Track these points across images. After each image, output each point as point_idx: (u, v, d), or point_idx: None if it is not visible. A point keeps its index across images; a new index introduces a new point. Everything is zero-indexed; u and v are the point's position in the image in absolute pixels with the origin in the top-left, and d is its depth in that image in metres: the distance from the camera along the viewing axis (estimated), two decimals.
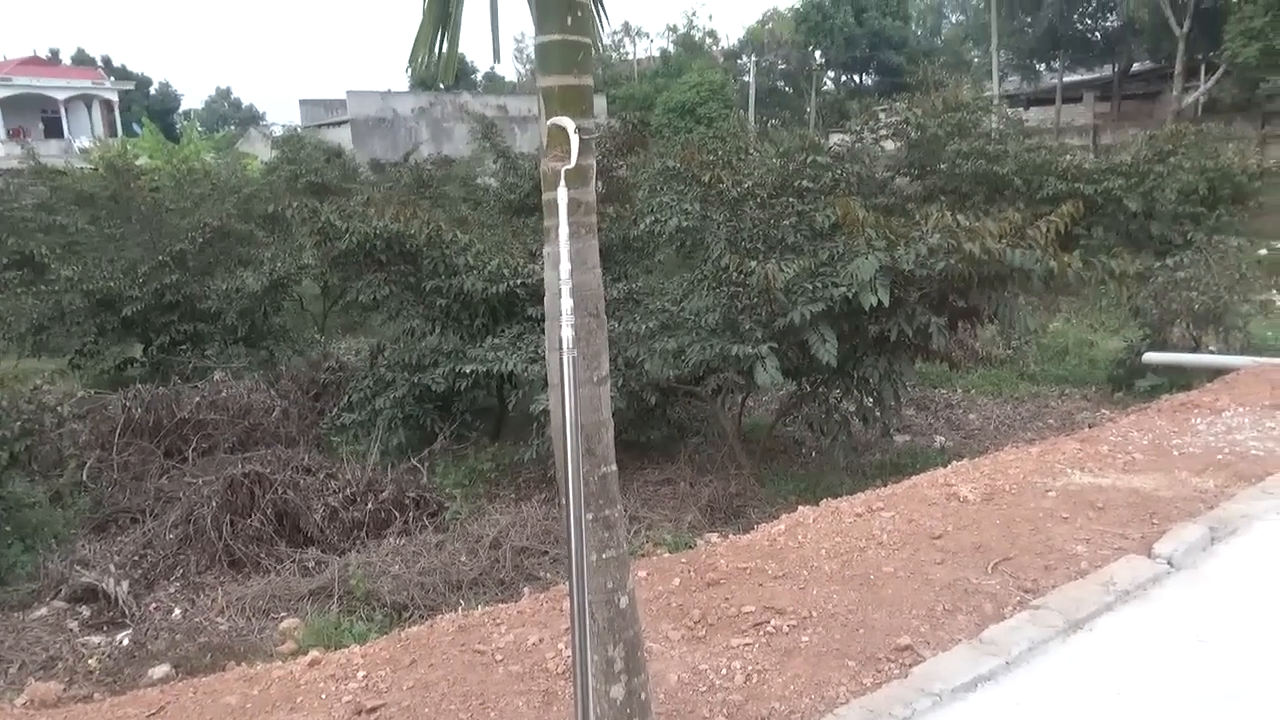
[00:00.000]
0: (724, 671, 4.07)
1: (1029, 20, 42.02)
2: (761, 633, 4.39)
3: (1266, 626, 4.39)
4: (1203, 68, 37.28)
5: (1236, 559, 5.10)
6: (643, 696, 3.05)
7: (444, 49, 2.90)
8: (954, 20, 57.02)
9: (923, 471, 7.04)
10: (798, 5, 51.34)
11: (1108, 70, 44.08)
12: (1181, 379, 10.74)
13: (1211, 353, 11.33)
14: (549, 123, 2.63)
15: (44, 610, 6.72)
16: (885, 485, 6.73)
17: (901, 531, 5.54)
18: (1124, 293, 12.38)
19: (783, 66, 55.50)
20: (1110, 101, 43.54)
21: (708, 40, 60.60)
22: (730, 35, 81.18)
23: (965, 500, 6.01)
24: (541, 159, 2.63)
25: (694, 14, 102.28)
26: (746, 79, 52.71)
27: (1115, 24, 41.18)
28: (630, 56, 59.55)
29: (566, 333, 2.49)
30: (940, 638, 4.29)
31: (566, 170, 2.57)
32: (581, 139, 2.60)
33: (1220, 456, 6.73)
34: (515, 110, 41.19)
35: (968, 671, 3.95)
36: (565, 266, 2.52)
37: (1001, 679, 3.99)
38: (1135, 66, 43.97)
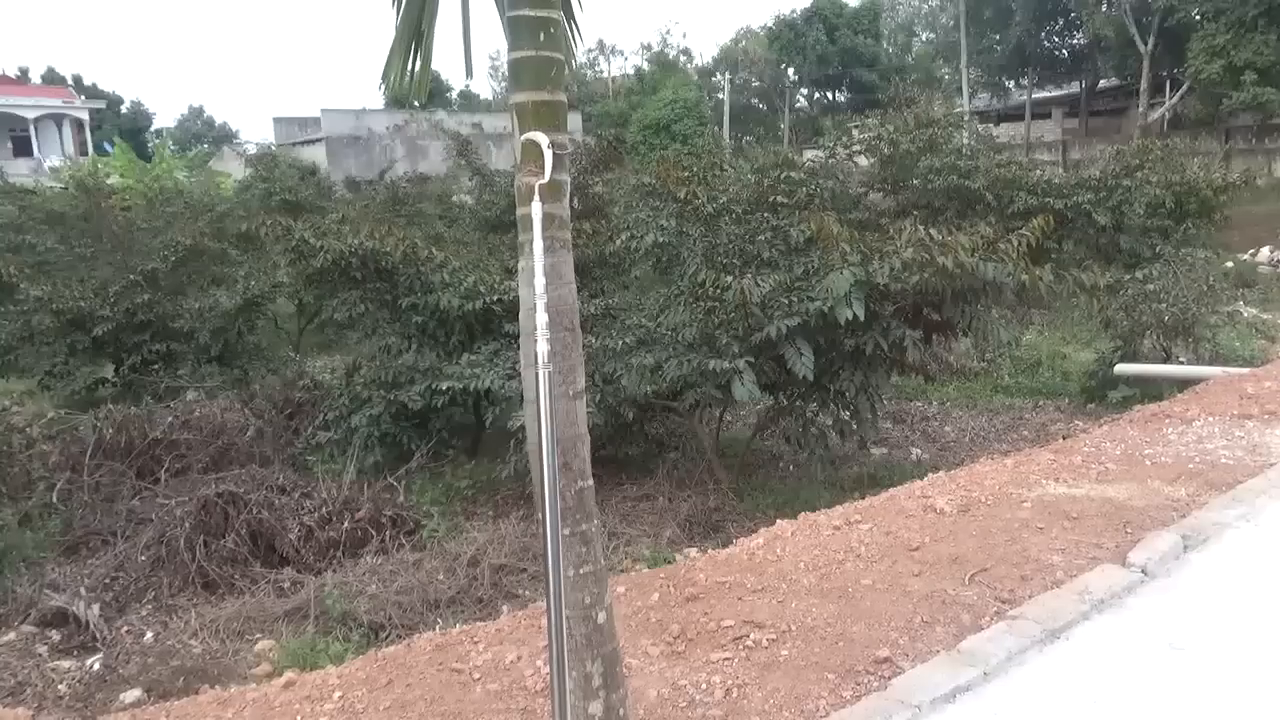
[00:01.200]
0: (704, 686, 4.06)
1: (998, 38, 42.73)
2: (741, 647, 4.39)
3: (1240, 633, 4.44)
4: (1168, 84, 38.04)
5: (1209, 567, 5.16)
6: (621, 712, 3.04)
7: (416, 67, 2.91)
8: (924, 38, 57.80)
9: (900, 484, 7.07)
10: (771, 24, 51.89)
11: (1075, 87, 44.86)
12: (1153, 390, 10.87)
13: (1181, 363, 11.49)
14: (522, 138, 2.64)
15: (12, 635, 6.59)
16: (863, 498, 6.76)
17: (879, 544, 5.56)
18: (1095, 305, 12.53)
19: (756, 84, 56.05)
20: (1078, 117, 44.29)
21: (682, 58, 61.05)
22: (704, 53, 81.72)
23: (942, 512, 6.04)
24: (516, 174, 2.63)
25: (668, 32, 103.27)
26: (721, 96, 53.15)
27: (1082, 41, 41.95)
28: (605, 74, 59.85)
29: (542, 347, 2.48)
30: (919, 649, 4.30)
31: (541, 185, 2.58)
32: (555, 154, 2.61)
33: (1191, 465, 6.82)
34: (490, 128, 41.21)
35: (947, 683, 3.97)
36: (540, 281, 2.52)
37: (980, 690, 4.00)
38: (1102, 83, 44.78)
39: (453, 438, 10.51)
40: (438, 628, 5.49)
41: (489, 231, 18.42)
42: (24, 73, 63.55)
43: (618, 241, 11.15)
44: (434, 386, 9.35)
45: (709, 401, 8.96)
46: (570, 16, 2.99)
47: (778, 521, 6.20)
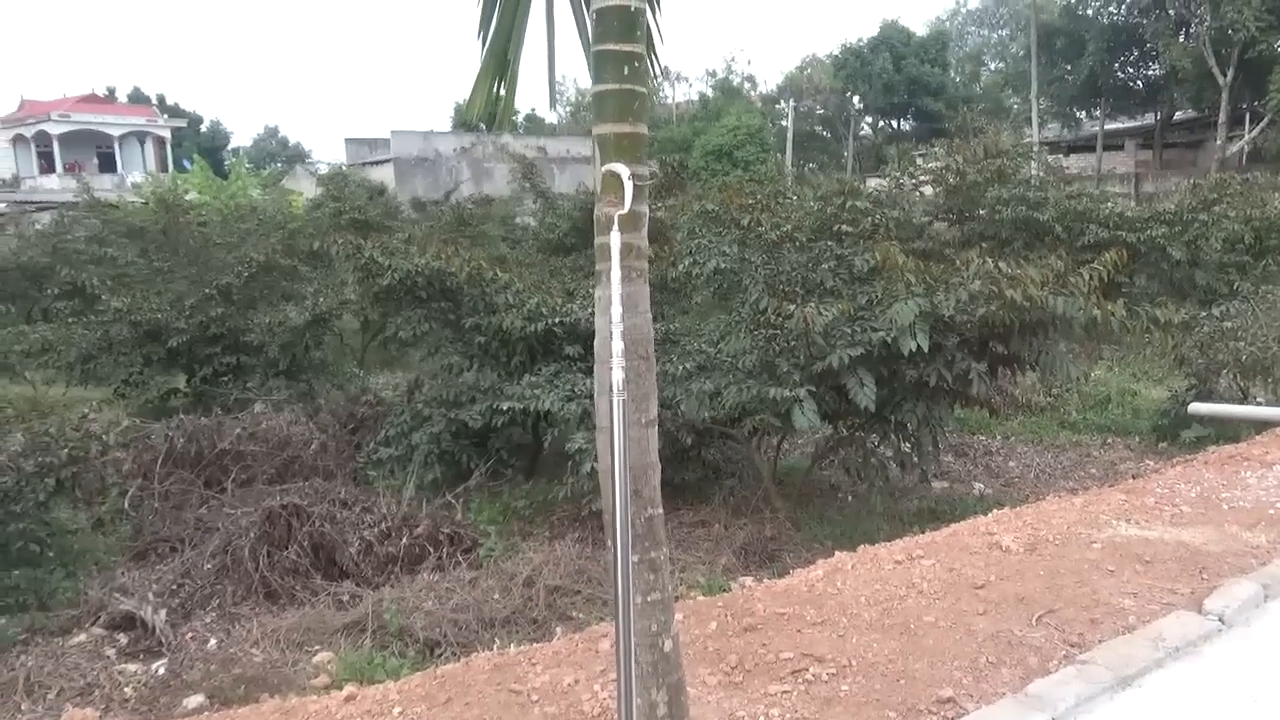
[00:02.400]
0: (762, 718, 4.01)
1: (1069, 68, 42.03)
2: (800, 680, 4.33)
3: None
4: (1247, 116, 37.01)
5: None
6: None
7: (501, 94, 2.97)
8: (993, 68, 57.13)
9: (962, 519, 6.94)
10: (837, 52, 51.77)
11: (1149, 118, 43.90)
12: (1228, 431, 10.52)
13: (1260, 404, 11.09)
14: (603, 169, 2.68)
15: (83, 636, 6.79)
16: (924, 532, 6.64)
17: (942, 580, 5.45)
18: (1168, 342, 12.19)
19: (820, 111, 55.90)
20: (1152, 149, 43.31)
21: (746, 85, 61.25)
22: (769, 80, 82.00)
23: (1008, 550, 5.91)
24: (596, 204, 2.67)
25: (733, 59, 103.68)
26: (784, 123, 53.11)
27: (1158, 72, 41.04)
28: (669, 100, 60.26)
29: (617, 375, 2.50)
30: (984, 690, 4.20)
31: (620, 215, 2.61)
32: (635, 185, 2.64)
33: (1272, 511, 6.57)
34: (554, 151, 41.80)
35: None
36: (617, 310, 2.54)
37: None
38: (1178, 115, 43.74)
39: (511, 457, 10.60)
40: (495, 647, 5.51)
41: (551, 254, 18.64)
42: (111, 92, 66.30)
43: (680, 267, 11.18)
44: (494, 406, 9.44)
45: (768, 429, 8.90)
46: (651, 49, 3.03)
47: (836, 553, 6.12)
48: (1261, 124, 34.92)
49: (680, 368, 8.69)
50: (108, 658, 6.53)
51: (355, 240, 11.32)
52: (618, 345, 2.48)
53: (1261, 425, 9.72)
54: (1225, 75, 34.51)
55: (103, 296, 13.68)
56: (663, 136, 48.50)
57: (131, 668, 6.38)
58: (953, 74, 53.90)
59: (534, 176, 24.22)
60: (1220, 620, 4.84)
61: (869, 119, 55.15)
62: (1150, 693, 4.23)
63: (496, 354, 10.40)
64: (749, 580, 7.06)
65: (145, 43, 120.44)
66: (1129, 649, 4.51)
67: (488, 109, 2.93)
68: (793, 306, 8.06)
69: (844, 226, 13.46)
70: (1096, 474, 10.67)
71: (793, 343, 8.19)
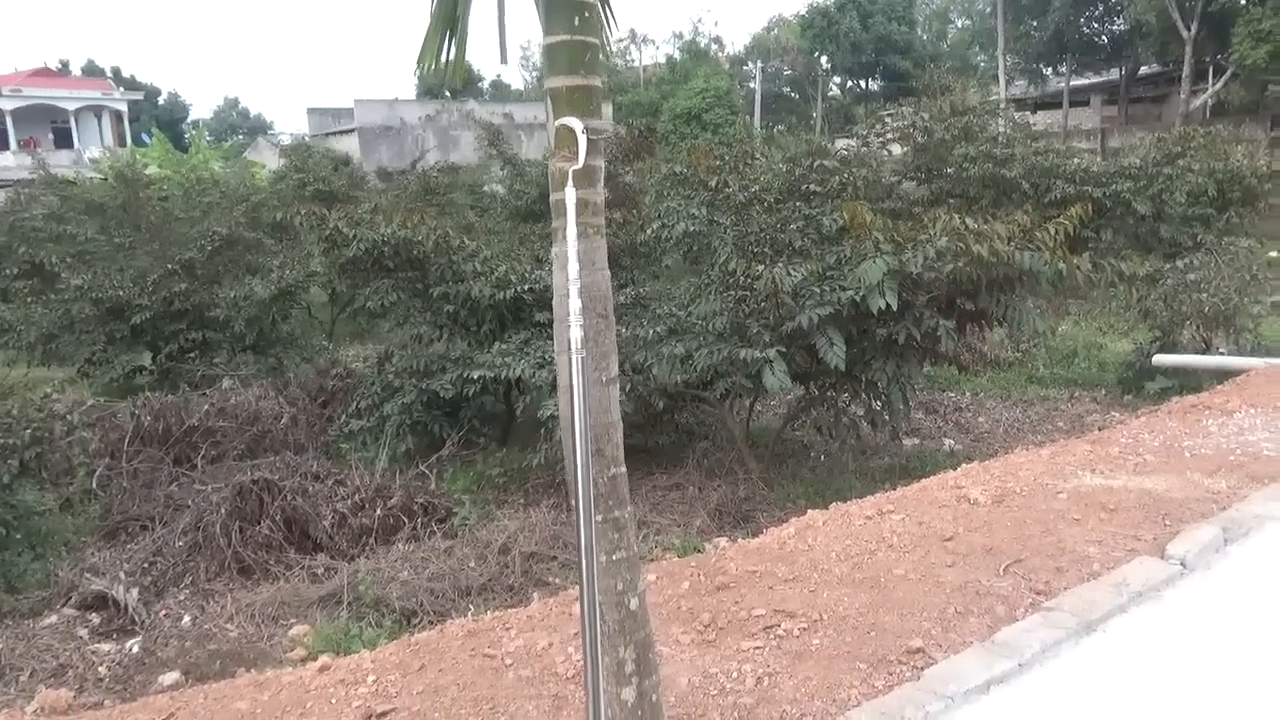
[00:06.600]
0: (735, 675, 4.05)
1: (1035, 24, 41.97)
2: (772, 636, 4.37)
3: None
4: (1211, 70, 37.21)
5: (1250, 559, 5.07)
6: (654, 699, 3.04)
7: (451, 54, 2.90)
8: (960, 25, 56.96)
9: (932, 474, 7.02)
10: (803, 11, 51.36)
11: (1115, 74, 44.02)
12: (1192, 381, 10.69)
13: (1222, 354, 11.27)
14: (557, 123, 2.63)
15: (54, 618, 6.73)
16: (895, 488, 6.71)
17: (912, 534, 5.51)
18: (1133, 295, 12.34)
19: (789, 72, 55.59)
20: (1117, 105, 43.49)
21: (713, 47, 60.69)
22: (736, 42, 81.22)
23: (976, 502, 5.98)
24: (549, 159, 2.63)
25: (700, 21, 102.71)
26: (752, 85, 52.79)
27: (1122, 28, 41.09)
28: (636, 63, 59.63)
29: (575, 333, 2.48)
30: (952, 640, 4.26)
31: (574, 170, 2.57)
32: (589, 139, 2.60)
33: (1232, 458, 6.70)
34: (522, 117, 41.30)
35: (980, 673, 3.93)
36: (573, 267, 2.51)
37: (1014, 681, 3.96)
38: (1142, 70, 43.88)
39: (484, 426, 10.58)
40: (470, 614, 5.52)
41: (520, 221, 18.48)
42: (65, 65, 64.65)
43: (649, 231, 11.12)
44: (465, 375, 9.40)
45: (740, 391, 8.92)
46: (604, 1, 2.97)
47: (809, 511, 6.18)
48: (1224, 77, 35.12)
49: (651, 331, 8.68)
50: (80, 638, 6.49)
51: (320, 211, 11.15)
52: (575, 303, 2.46)
53: (1223, 374, 9.88)
54: (1189, 29, 34.61)
55: (62, 275, 13.44)
56: (630, 100, 48.10)
57: (105, 647, 6.34)
58: (920, 32, 53.65)
59: (501, 143, 23.94)
60: (1182, 564, 4.94)
61: (837, 79, 54.87)
62: (1114, 637, 4.32)
63: (466, 322, 10.33)
64: (723, 541, 7.11)
65: (97, 13, 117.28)
66: (1093, 595, 4.60)
67: (439, 68, 2.87)
68: (761, 267, 8.06)
69: (812, 186, 13.45)
70: (1064, 427, 10.82)
71: (762, 304, 8.19)
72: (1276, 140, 30.80)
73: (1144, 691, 3.87)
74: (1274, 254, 18.77)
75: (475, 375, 9.26)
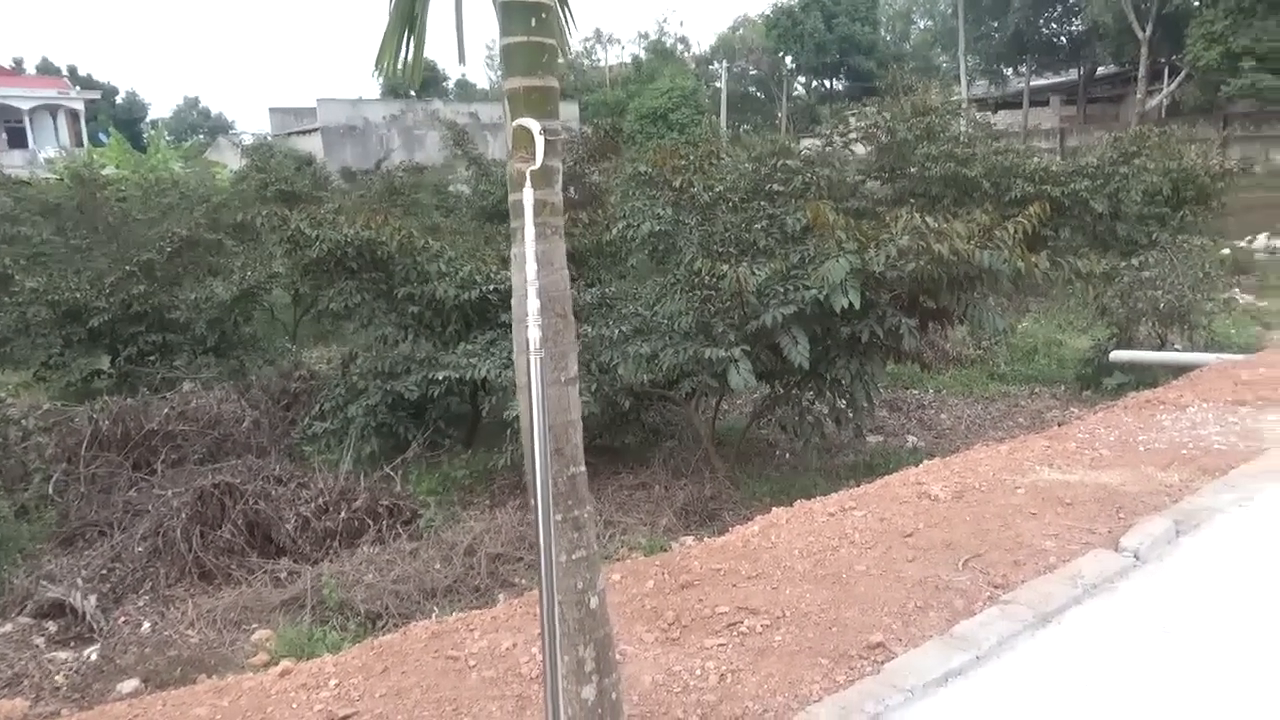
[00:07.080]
0: (698, 672, 4.08)
1: (995, 25, 42.62)
2: (735, 633, 4.40)
3: (1230, 615, 4.46)
4: (1166, 71, 37.96)
5: (1201, 551, 5.18)
6: (614, 697, 3.05)
7: (410, 52, 2.90)
8: (922, 26, 57.63)
9: (895, 471, 7.09)
10: (768, 11, 51.68)
11: (1073, 74, 44.77)
12: (1148, 376, 10.90)
13: (1176, 350, 11.51)
14: (514, 124, 2.64)
15: (9, 626, 6.61)
16: (858, 485, 6.77)
17: (874, 530, 5.58)
18: (1091, 292, 12.56)
19: (754, 72, 55.91)
20: (1076, 105, 44.24)
21: (679, 47, 60.89)
22: (702, 42, 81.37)
23: (936, 498, 6.06)
24: (508, 160, 2.63)
25: (665, 20, 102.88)
26: (718, 85, 53.02)
27: (1080, 28, 41.83)
28: (602, 63, 59.66)
29: (534, 333, 2.49)
30: (912, 634, 4.32)
31: (532, 171, 2.58)
32: (547, 140, 2.61)
33: (1185, 451, 6.84)
34: (487, 117, 41.14)
35: (939, 667, 3.98)
36: (531, 267, 2.53)
37: (972, 674, 4.02)
38: (1100, 70, 44.70)
39: (449, 427, 10.54)
40: (434, 616, 5.50)
41: (485, 221, 18.43)
42: (18, 63, 63.35)
43: (614, 230, 11.14)
44: (430, 376, 9.36)
45: (705, 390, 8.97)
46: (563, 3, 2.98)
47: (773, 509, 6.21)
48: (1179, 78, 35.85)
49: (617, 331, 8.69)
50: (37, 646, 6.38)
51: (282, 212, 11.06)
52: (533, 303, 2.47)
53: (1178, 370, 10.09)
54: (1144, 30, 35.30)
55: (16, 277, 13.19)
56: (596, 100, 48.10)
57: (62, 655, 6.23)
58: (883, 32, 54.22)
59: (466, 143, 23.84)
60: (1135, 557, 5.03)
61: (802, 79, 55.28)
62: (1069, 628, 4.39)
63: (431, 323, 10.29)
64: (690, 540, 7.15)
65: (51, 11, 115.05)
66: (1049, 588, 4.67)
67: (396, 66, 2.86)
68: (726, 267, 8.09)
69: (776, 186, 13.54)
70: (1024, 423, 10.99)
71: (727, 303, 8.23)
72: (1229, 139, 31.50)
73: (1097, 682, 3.95)
74: (1226, 251, 19.20)
75: (440, 376, 9.23)
